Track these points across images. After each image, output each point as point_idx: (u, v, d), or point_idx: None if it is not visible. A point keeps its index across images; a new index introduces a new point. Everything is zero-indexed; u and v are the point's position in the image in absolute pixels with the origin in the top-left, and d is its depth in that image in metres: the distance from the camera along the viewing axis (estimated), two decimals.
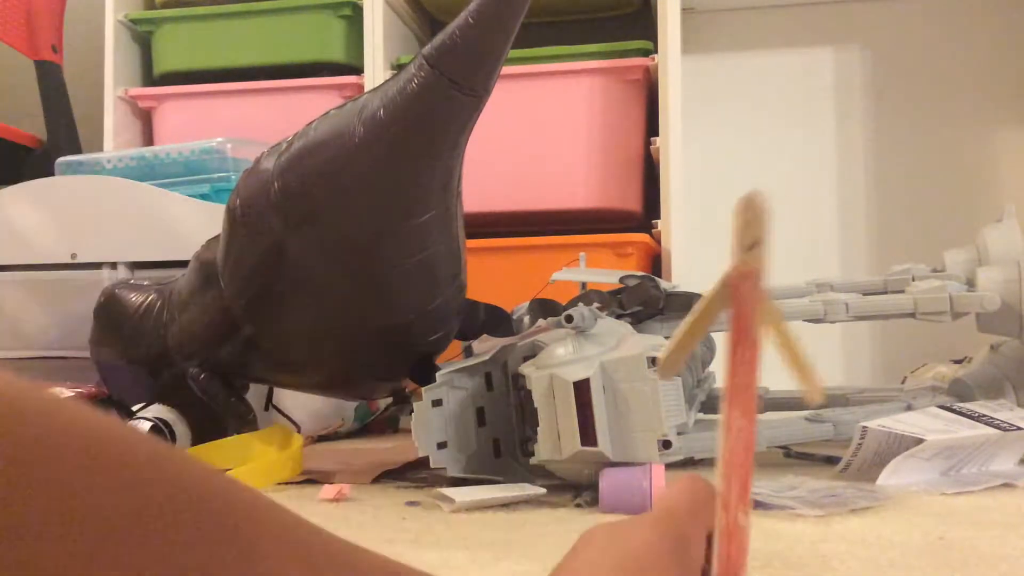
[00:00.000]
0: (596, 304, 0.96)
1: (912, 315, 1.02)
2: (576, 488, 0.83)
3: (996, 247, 1.10)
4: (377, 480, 0.94)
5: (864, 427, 0.88)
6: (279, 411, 1.15)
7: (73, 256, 1.30)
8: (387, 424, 1.50)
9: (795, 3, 1.95)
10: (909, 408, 0.99)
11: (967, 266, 1.12)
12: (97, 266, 1.30)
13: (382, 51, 1.70)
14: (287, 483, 0.93)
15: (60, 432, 0.21)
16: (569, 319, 0.84)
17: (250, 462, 0.95)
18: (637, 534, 0.31)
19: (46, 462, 0.20)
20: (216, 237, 0.96)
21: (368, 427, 1.46)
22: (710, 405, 1.21)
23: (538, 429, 0.81)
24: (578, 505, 0.80)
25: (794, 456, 1.07)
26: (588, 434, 0.78)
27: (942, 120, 1.89)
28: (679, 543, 0.32)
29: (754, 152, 1.94)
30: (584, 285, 1.15)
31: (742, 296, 0.26)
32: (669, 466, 0.87)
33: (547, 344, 0.86)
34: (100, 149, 1.77)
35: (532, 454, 0.84)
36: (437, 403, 0.87)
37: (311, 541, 0.28)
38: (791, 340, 0.27)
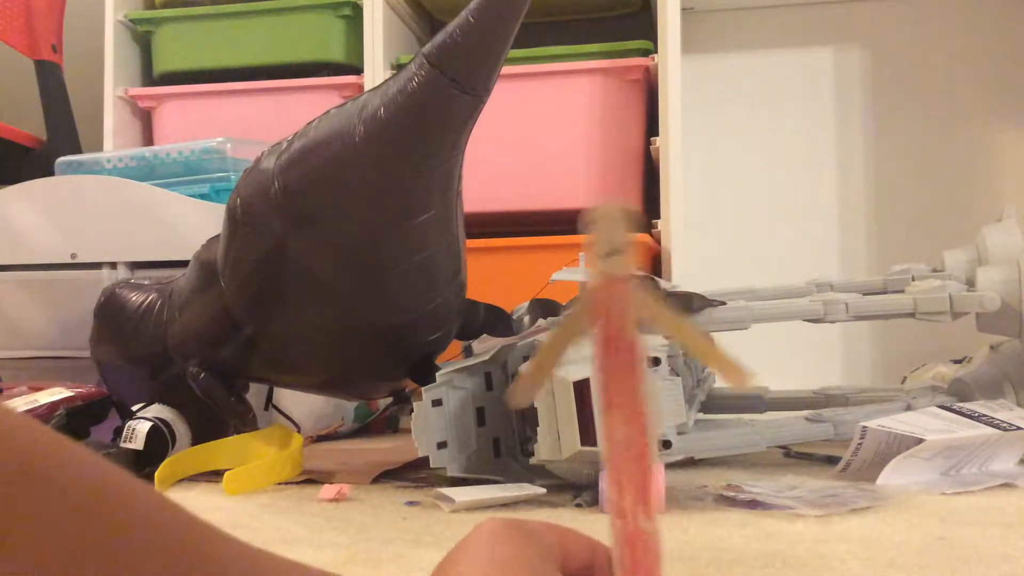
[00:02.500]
0: None
1: (912, 315, 1.02)
2: (576, 488, 0.83)
3: (996, 247, 1.10)
4: (377, 480, 0.94)
5: (864, 427, 0.88)
6: (279, 411, 1.15)
7: (73, 256, 1.30)
8: (387, 424, 1.50)
9: (795, 3, 1.95)
10: (909, 408, 0.99)
11: (967, 266, 1.12)
12: (97, 266, 1.30)
13: (382, 51, 1.70)
14: (287, 483, 0.93)
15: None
16: None
17: (250, 462, 0.95)
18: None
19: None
20: (216, 237, 0.96)
21: (368, 427, 1.46)
22: (710, 405, 1.21)
23: (538, 429, 0.81)
24: (578, 505, 0.80)
25: (794, 456, 1.07)
26: (588, 434, 0.78)
27: (942, 120, 1.89)
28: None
29: (754, 152, 1.94)
30: (584, 285, 1.14)
31: (608, 303, 0.26)
32: (669, 466, 0.87)
33: None
34: (100, 149, 1.77)
35: (532, 454, 0.83)
36: (437, 403, 0.87)
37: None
38: (692, 333, 0.27)
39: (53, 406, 0.97)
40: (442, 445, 0.86)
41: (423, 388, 0.87)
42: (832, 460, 0.97)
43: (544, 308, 1.02)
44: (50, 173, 1.45)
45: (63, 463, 0.24)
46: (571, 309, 0.28)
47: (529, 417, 0.86)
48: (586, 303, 0.27)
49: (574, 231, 1.62)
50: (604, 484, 0.77)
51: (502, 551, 0.31)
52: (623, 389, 0.26)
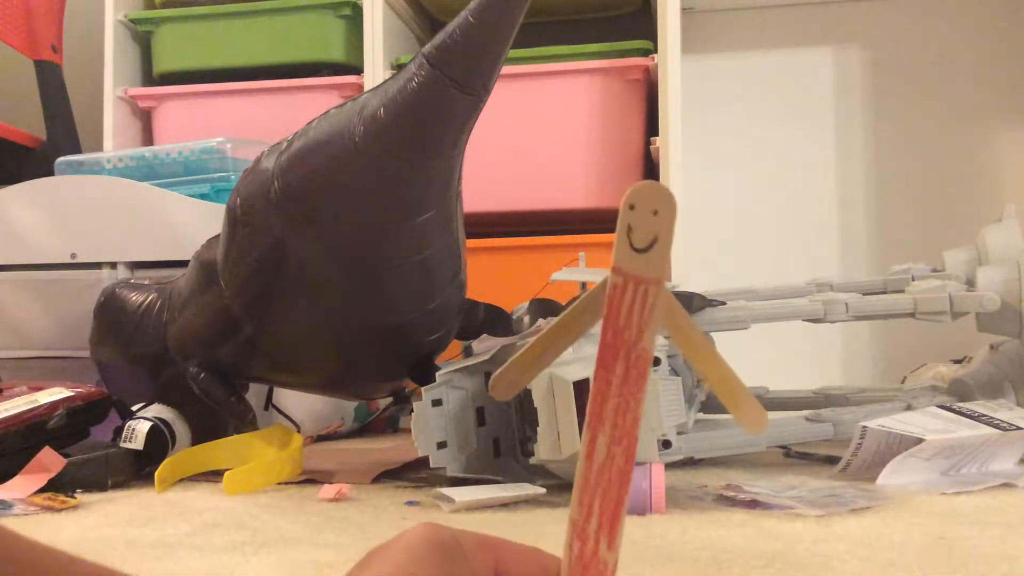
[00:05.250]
0: None
1: (912, 315, 1.02)
2: None
3: (996, 247, 1.10)
4: (377, 480, 0.94)
5: (864, 427, 0.88)
6: (279, 411, 1.15)
7: (73, 256, 1.30)
8: (387, 424, 1.50)
9: (795, 3, 1.95)
10: (909, 408, 0.99)
11: (967, 266, 1.12)
12: (97, 266, 1.30)
13: (382, 51, 1.70)
14: (287, 483, 0.93)
15: None
16: None
17: (250, 462, 0.95)
18: None
19: None
20: (216, 237, 0.96)
21: (368, 427, 1.46)
22: (710, 405, 1.21)
23: (538, 429, 0.81)
24: None
25: (794, 456, 1.07)
26: None
27: (942, 120, 1.89)
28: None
29: (754, 152, 1.94)
30: (584, 285, 1.14)
31: (623, 306, 0.22)
32: (669, 466, 0.87)
33: None
34: (100, 149, 1.77)
35: (532, 454, 0.83)
36: (437, 403, 0.87)
37: None
38: (717, 362, 0.23)
39: (53, 406, 0.97)
40: (442, 445, 0.86)
41: (423, 388, 0.87)
42: (832, 460, 0.97)
43: (544, 308, 1.02)
44: (50, 173, 1.45)
45: None
46: (578, 302, 0.24)
47: (529, 417, 0.86)
48: (600, 299, 0.23)
49: (574, 231, 1.62)
50: None
51: (409, 568, 0.30)
52: (620, 405, 0.23)
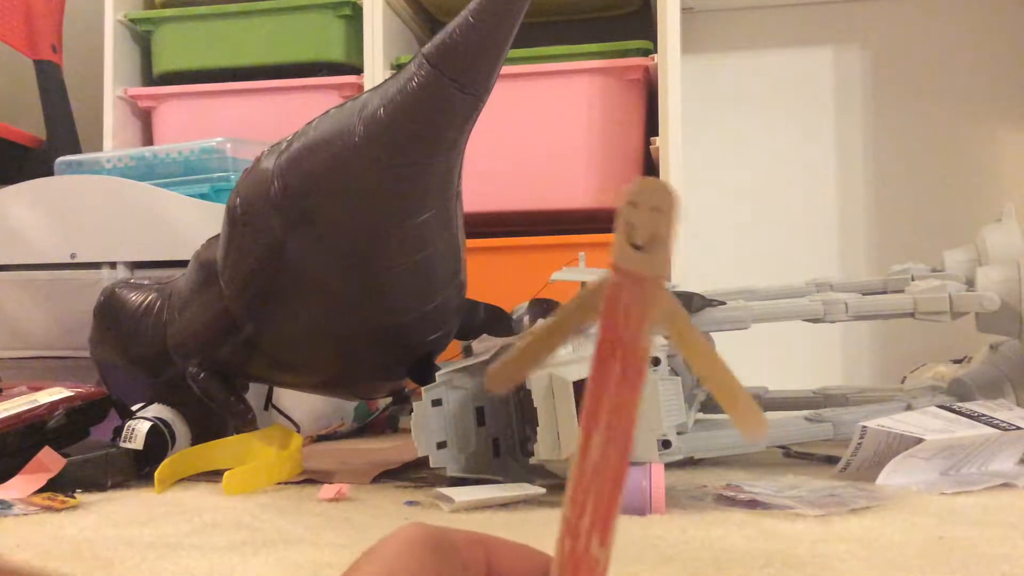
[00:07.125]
0: None
1: (912, 315, 1.02)
2: None
3: (996, 247, 1.10)
4: (377, 480, 0.94)
5: (864, 427, 0.88)
6: (279, 411, 1.15)
7: (73, 256, 1.30)
8: (387, 424, 1.50)
9: (795, 3, 1.95)
10: (909, 408, 0.99)
11: (967, 266, 1.12)
12: (97, 266, 1.30)
13: (382, 51, 1.70)
14: (287, 483, 0.93)
15: None
16: None
17: (250, 462, 0.95)
18: None
19: None
20: (216, 237, 0.96)
21: (368, 427, 1.46)
22: (710, 405, 1.21)
23: (538, 429, 0.81)
24: None
25: (794, 456, 1.07)
26: None
27: (942, 120, 1.89)
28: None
29: (753, 152, 1.94)
30: (584, 285, 1.14)
31: (621, 304, 0.22)
32: (669, 466, 0.87)
33: None
34: (100, 149, 1.77)
35: (532, 454, 0.83)
36: (437, 403, 0.87)
37: None
38: (715, 363, 0.23)
39: (53, 406, 0.97)
40: (442, 445, 0.87)
41: (423, 388, 0.87)
42: (832, 460, 0.97)
43: (544, 308, 1.02)
44: (50, 173, 1.45)
45: None
46: (575, 299, 0.23)
47: (529, 417, 0.86)
48: (597, 296, 0.23)
49: (574, 231, 1.62)
50: None
51: (401, 566, 0.29)
52: (617, 405, 0.23)
